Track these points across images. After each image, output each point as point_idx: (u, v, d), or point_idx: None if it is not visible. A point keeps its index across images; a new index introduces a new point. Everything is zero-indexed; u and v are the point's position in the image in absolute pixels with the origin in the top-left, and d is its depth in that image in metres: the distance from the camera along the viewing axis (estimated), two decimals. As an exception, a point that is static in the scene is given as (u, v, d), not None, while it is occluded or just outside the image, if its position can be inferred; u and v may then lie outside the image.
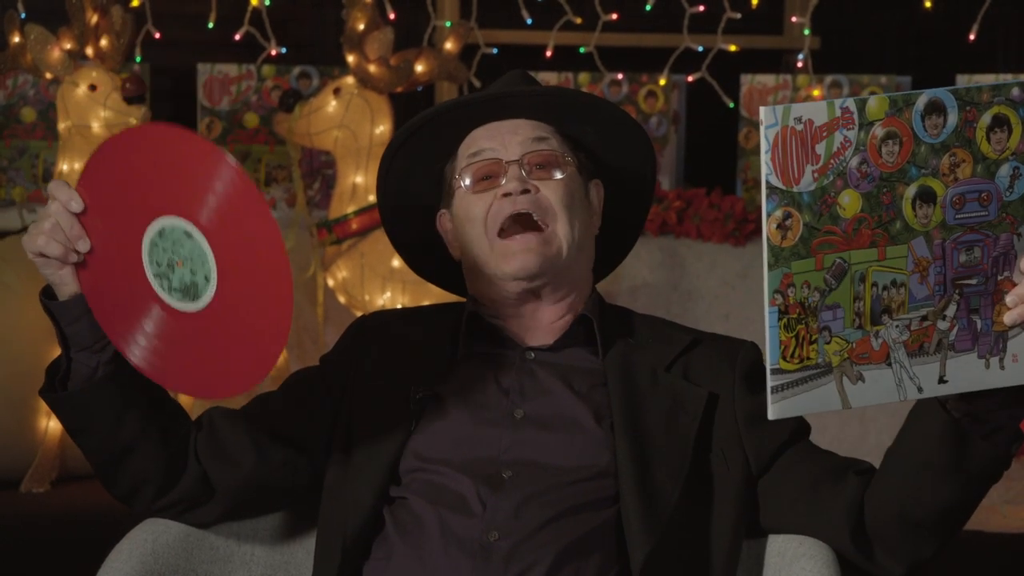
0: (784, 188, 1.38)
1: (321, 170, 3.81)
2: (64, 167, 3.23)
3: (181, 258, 1.54)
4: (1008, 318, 1.43)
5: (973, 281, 1.43)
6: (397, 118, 3.28)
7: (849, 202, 1.39)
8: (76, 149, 3.22)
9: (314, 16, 4.00)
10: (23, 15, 3.33)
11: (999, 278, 1.44)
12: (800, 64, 3.93)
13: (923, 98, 1.39)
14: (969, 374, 1.44)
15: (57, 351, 1.69)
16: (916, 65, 4.08)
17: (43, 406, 3.02)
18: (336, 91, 3.29)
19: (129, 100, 3.15)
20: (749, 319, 3.49)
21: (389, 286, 3.25)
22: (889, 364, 1.43)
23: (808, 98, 3.84)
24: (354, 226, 3.28)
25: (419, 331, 1.86)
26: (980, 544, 2.88)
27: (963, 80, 3.82)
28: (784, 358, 1.40)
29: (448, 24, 3.76)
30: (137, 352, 1.61)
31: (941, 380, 1.44)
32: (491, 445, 1.72)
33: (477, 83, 3.66)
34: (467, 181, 1.81)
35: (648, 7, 3.91)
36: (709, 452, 1.73)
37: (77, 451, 1.78)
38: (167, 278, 1.56)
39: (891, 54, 4.17)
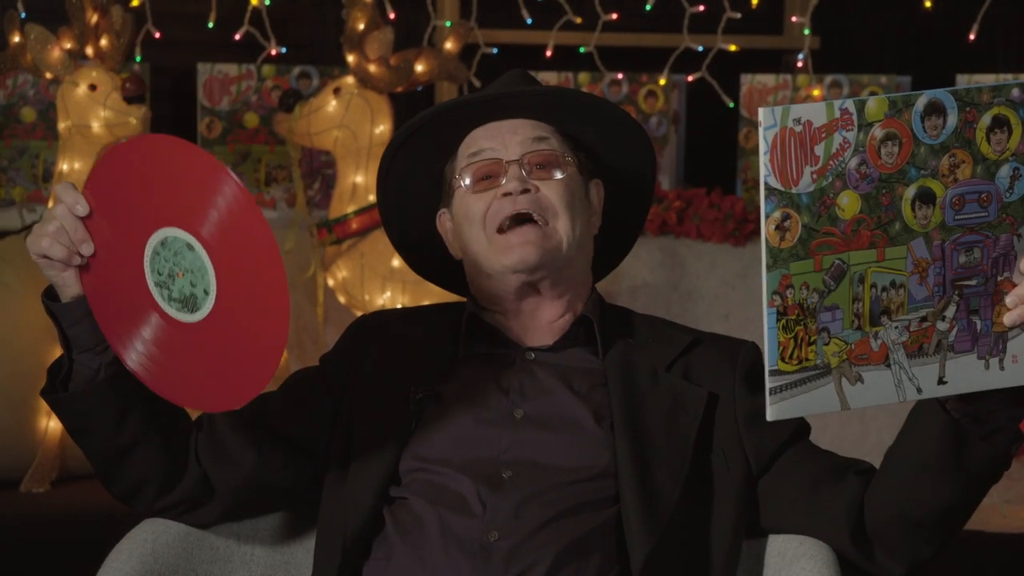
0: (783, 189, 1.37)
1: (321, 170, 3.81)
2: (64, 167, 3.23)
3: (182, 269, 1.54)
4: (1008, 319, 1.43)
5: (973, 282, 1.43)
6: (397, 118, 3.28)
7: (848, 203, 1.39)
8: (76, 149, 3.22)
9: (314, 16, 4.00)
10: (23, 15, 3.32)
11: (999, 279, 1.43)
12: (800, 64, 3.93)
13: (923, 99, 1.38)
14: (968, 375, 1.44)
15: (57, 351, 1.70)
16: (916, 65, 4.07)
17: (43, 406, 3.02)
18: (336, 91, 3.29)
19: (129, 100, 3.14)
20: (749, 319, 3.48)
21: (389, 286, 3.25)
22: (888, 365, 1.43)
23: (808, 98, 3.84)
24: (354, 226, 3.28)
25: (419, 331, 1.86)
26: (980, 544, 2.88)
27: (963, 80, 3.82)
28: (783, 359, 1.40)
29: (448, 24, 3.76)
30: (134, 357, 1.62)
31: (940, 381, 1.44)
32: (491, 445, 1.72)
33: (477, 83, 3.66)
34: (467, 181, 1.81)
35: (648, 7, 3.91)
36: (709, 452, 1.73)
37: (77, 451, 1.78)
38: (167, 288, 1.56)
39: (891, 54, 4.17)
